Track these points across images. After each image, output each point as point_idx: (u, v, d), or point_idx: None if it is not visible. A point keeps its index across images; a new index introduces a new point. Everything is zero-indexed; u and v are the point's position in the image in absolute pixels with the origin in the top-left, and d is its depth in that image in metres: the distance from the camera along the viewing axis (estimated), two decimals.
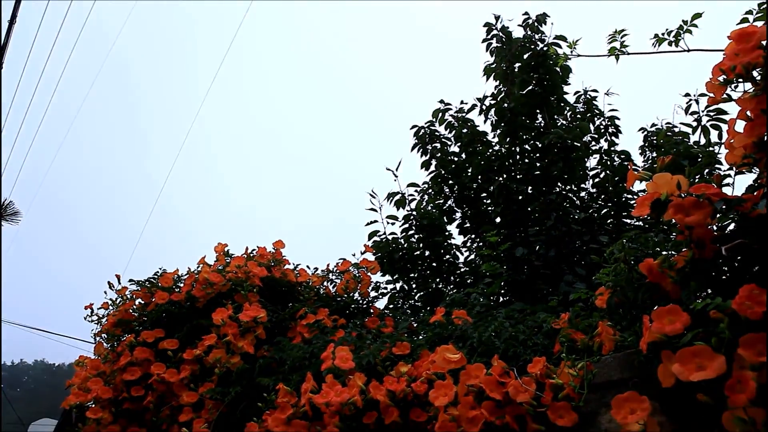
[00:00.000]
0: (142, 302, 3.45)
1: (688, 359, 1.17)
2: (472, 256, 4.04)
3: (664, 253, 1.51)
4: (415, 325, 2.80)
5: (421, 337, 2.47)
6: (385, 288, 3.85)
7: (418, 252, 4.13)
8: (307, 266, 3.44)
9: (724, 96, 1.46)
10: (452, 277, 4.05)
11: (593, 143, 4.27)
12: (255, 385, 2.56)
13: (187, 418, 2.65)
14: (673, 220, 1.44)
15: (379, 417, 2.05)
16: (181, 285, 3.45)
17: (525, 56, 4.15)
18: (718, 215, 1.37)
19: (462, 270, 4.19)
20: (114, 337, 3.48)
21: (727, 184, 1.70)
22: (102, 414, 2.99)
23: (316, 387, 2.11)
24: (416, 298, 4.23)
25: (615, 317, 1.71)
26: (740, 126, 1.46)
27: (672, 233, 1.78)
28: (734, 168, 1.55)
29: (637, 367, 1.56)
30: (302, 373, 2.37)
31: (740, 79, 1.43)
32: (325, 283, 3.43)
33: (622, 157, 4.09)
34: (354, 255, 3.35)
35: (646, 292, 1.46)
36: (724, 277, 1.42)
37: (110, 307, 3.44)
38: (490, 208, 4.27)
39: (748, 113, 1.40)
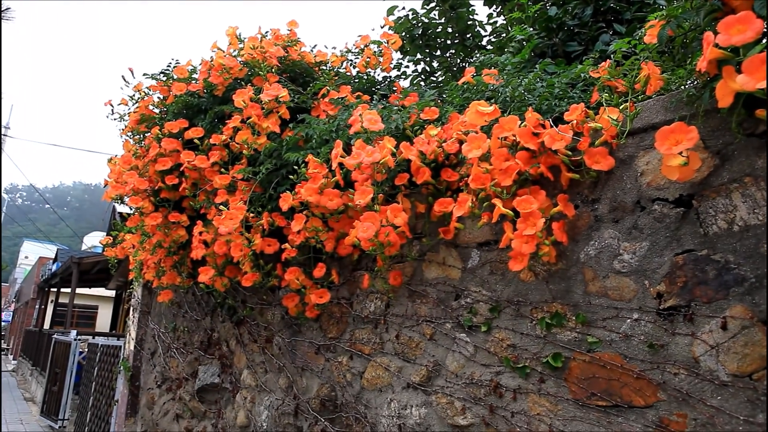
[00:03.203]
0: (161, 96, 3.38)
1: (755, 67, 1.05)
2: (499, 25, 3.73)
3: None
4: (440, 101, 2.70)
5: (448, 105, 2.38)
6: (407, 67, 3.67)
7: (440, 28, 3.86)
8: (325, 46, 3.24)
9: None
10: (477, 54, 3.82)
11: None
12: (284, 164, 2.58)
13: (223, 200, 2.73)
14: None
15: (410, 180, 2.06)
16: (196, 76, 3.34)
17: None
18: None
19: (488, 47, 3.93)
20: (139, 134, 3.49)
21: None
22: (142, 203, 3.13)
23: (345, 154, 2.10)
24: (439, 79, 4.06)
25: (664, 55, 1.57)
26: None
27: None
28: None
29: (685, 103, 1.47)
30: (330, 146, 2.36)
31: None
32: (344, 64, 3.26)
33: None
34: (373, 30, 3.12)
35: (709, 12, 1.29)
36: None
37: (129, 104, 3.38)
38: None
39: None
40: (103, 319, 20.28)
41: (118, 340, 6.90)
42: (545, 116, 1.79)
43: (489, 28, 4.07)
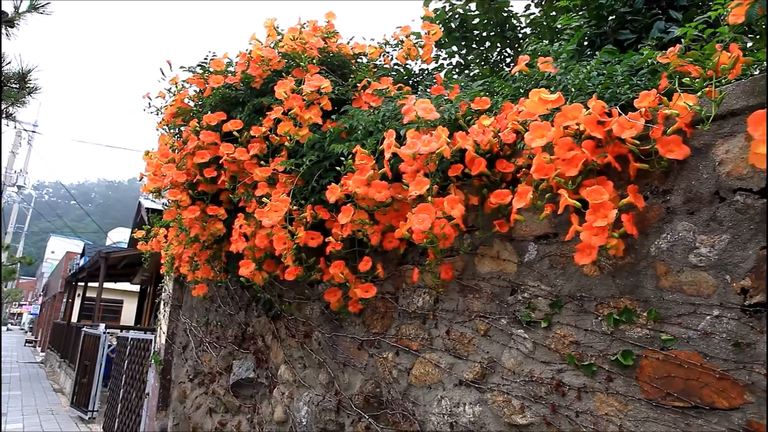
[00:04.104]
0: (198, 89, 3.36)
1: None
2: (535, 15, 3.62)
3: None
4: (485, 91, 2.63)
5: (497, 96, 2.31)
6: (445, 59, 3.60)
7: (476, 20, 3.78)
8: (363, 38, 3.19)
9: None
10: (516, 47, 3.74)
11: None
12: (327, 156, 2.53)
13: (263, 192, 2.69)
14: None
15: (462, 171, 2.00)
16: (232, 69, 3.32)
17: None
18: None
19: (526, 39, 3.84)
20: (176, 127, 3.48)
21: None
22: (180, 196, 3.11)
23: (398, 145, 2.04)
24: (472, 72, 3.99)
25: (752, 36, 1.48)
26: None
27: None
28: None
29: None
30: (376, 137, 2.31)
31: None
32: (382, 56, 3.21)
33: None
34: (413, 21, 3.06)
35: None
36: None
37: (167, 96, 3.37)
38: None
39: None
40: (128, 313, 20.57)
41: (145, 333, 6.96)
42: (608, 104, 1.72)
43: (524, 20, 3.99)
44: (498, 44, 3.74)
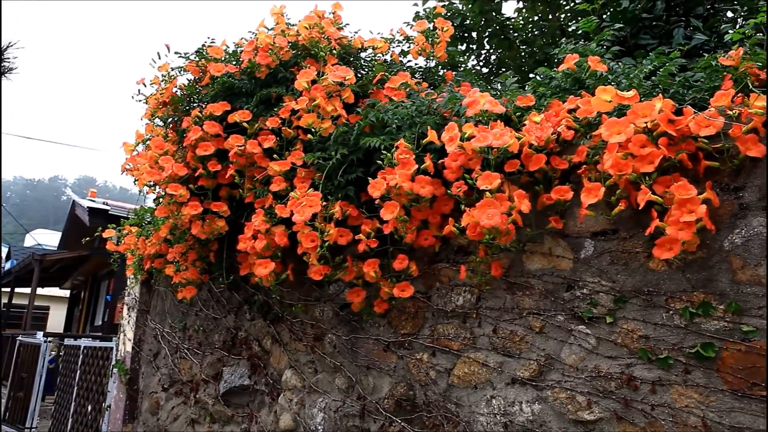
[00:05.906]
0: (193, 77, 3.17)
1: None
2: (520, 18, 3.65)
3: None
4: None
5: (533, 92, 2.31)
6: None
7: (472, 21, 3.79)
8: (370, 31, 3.12)
9: None
10: (515, 49, 3.78)
11: None
12: (353, 150, 2.45)
13: (279, 188, 2.56)
14: None
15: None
16: (228, 57, 3.15)
17: None
18: None
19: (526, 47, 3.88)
20: (168, 117, 3.26)
21: None
22: (180, 190, 2.90)
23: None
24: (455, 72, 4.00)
25: None
26: None
27: None
28: None
29: None
30: (414, 130, 2.25)
31: None
32: (390, 50, 3.14)
33: None
34: (424, 10, 3.02)
35: None
36: None
37: (162, 83, 3.15)
38: None
39: None
40: (56, 319, 19.17)
41: (92, 341, 6.49)
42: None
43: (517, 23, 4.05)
44: (494, 45, 3.76)
